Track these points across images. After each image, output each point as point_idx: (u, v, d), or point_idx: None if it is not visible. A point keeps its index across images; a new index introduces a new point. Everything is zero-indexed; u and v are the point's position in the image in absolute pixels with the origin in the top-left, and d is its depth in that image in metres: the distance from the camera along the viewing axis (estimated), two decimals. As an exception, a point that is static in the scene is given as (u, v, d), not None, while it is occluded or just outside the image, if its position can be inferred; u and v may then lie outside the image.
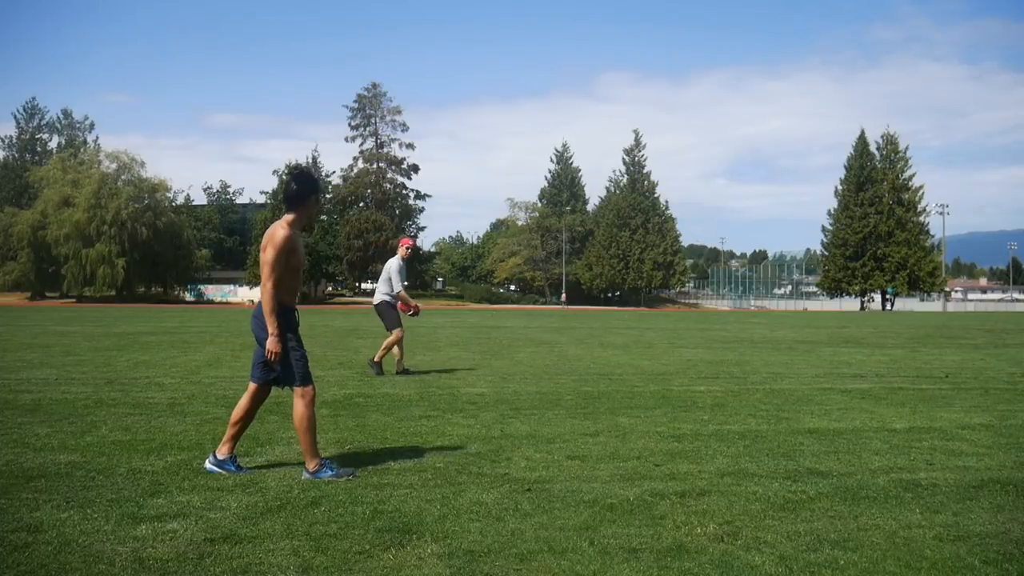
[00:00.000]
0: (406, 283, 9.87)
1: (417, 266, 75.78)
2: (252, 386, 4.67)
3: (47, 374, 9.35)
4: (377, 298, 9.94)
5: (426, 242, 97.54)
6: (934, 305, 78.15)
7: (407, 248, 10.09)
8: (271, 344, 4.39)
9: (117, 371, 9.78)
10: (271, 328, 4.39)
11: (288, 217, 4.55)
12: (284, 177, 65.09)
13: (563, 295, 71.63)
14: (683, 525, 3.67)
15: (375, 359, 9.71)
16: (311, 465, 4.47)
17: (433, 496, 4.10)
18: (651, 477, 4.59)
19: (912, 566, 3.19)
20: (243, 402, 4.68)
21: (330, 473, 4.45)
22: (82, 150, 70.52)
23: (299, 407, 4.49)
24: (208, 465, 4.57)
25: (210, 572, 3.06)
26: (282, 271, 4.42)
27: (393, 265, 9.82)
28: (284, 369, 4.49)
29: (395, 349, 9.71)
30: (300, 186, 4.59)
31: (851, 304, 71.55)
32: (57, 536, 3.40)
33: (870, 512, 3.94)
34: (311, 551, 3.27)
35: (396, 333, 9.65)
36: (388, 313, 9.78)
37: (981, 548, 3.41)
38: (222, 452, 4.60)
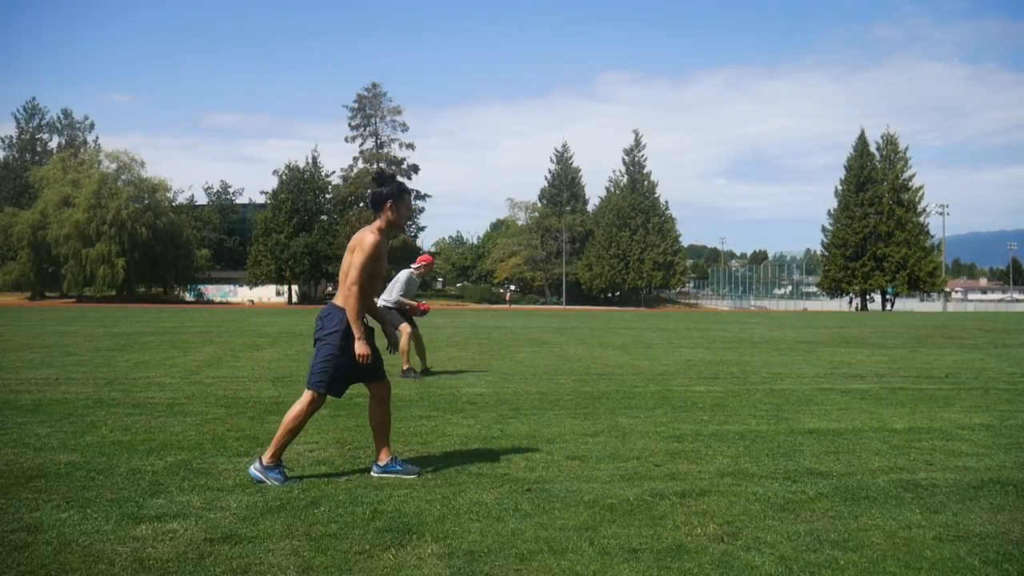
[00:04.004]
0: (409, 295, 9.83)
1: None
2: (370, 391, 4.62)
3: (47, 374, 9.34)
4: (379, 302, 9.91)
5: (426, 242, 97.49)
6: (934, 305, 78.11)
7: (425, 265, 10.06)
8: (360, 348, 4.36)
9: (117, 371, 9.78)
10: (357, 332, 4.36)
11: (377, 223, 4.51)
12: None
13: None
14: (683, 525, 3.67)
15: (404, 368, 9.47)
16: (267, 459, 4.35)
17: (433, 496, 4.10)
18: (651, 477, 4.59)
19: (912, 566, 3.19)
20: (372, 406, 4.64)
21: (277, 479, 4.30)
22: (82, 150, 70.59)
23: (298, 407, 4.43)
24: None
25: (210, 572, 3.06)
26: (366, 277, 4.39)
27: (402, 276, 9.80)
28: (313, 367, 4.43)
29: (403, 344, 9.67)
30: (383, 189, 4.54)
31: (854, 303, 71.49)
32: (57, 536, 3.40)
33: (870, 512, 3.94)
34: (311, 551, 3.27)
35: (404, 330, 9.56)
36: (387, 317, 9.75)
37: (981, 548, 3.41)
38: (383, 460, 4.56)
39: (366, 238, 4.40)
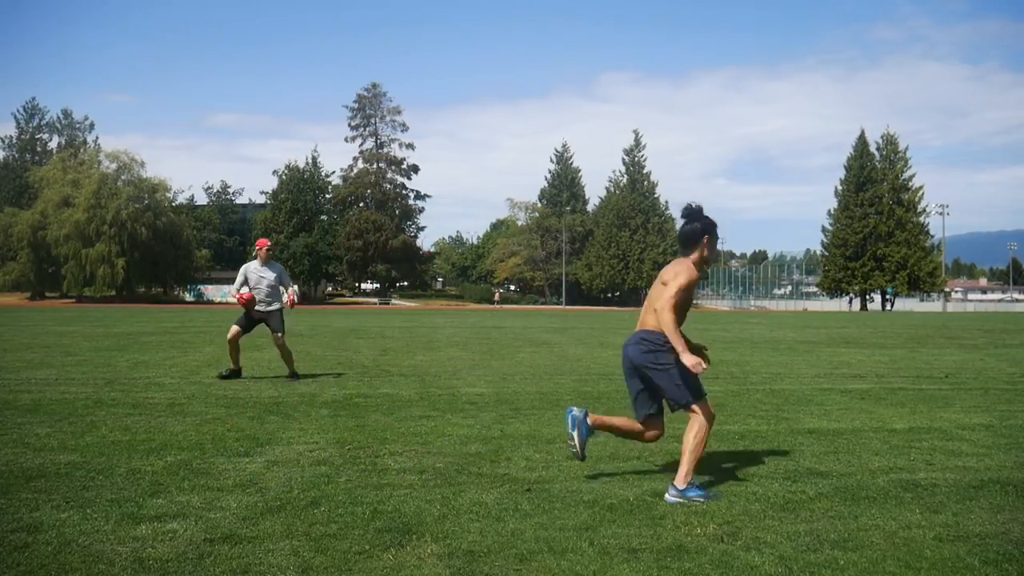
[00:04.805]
0: (256, 285, 9.24)
1: (417, 266, 75.82)
2: (641, 426, 4.56)
3: (47, 374, 9.35)
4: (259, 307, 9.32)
5: (426, 242, 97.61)
6: (934, 305, 78.13)
7: (264, 250, 9.49)
8: (688, 360, 4.18)
9: (117, 371, 9.78)
10: (679, 346, 4.25)
11: (692, 257, 4.47)
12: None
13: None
14: (683, 525, 3.67)
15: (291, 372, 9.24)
16: (680, 482, 4.14)
17: (433, 496, 4.10)
18: (651, 477, 4.59)
19: (912, 566, 3.19)
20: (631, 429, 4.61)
21: (700, 496, 4.11)
22: (82, 150, 70.57)
23: (695, 428, 4.25)
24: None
25: (210, 572, 3.06)
26: (680, 299, 4.38)
27: (241, 269, 9.39)
28: (671, 392, 4.33)
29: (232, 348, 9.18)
30: (697, 225, 4.47)
31: (853, 304, 71.49)
32: (57, 536, 3.40)
33: (870, 512, 3.94)
34: (311, 551, 3.27)
35: (277, 339, 9.20)
36: (273, 316, 9.31)
37: (981, 548, 3.40)
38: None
39: (688, 269, 4.37)
